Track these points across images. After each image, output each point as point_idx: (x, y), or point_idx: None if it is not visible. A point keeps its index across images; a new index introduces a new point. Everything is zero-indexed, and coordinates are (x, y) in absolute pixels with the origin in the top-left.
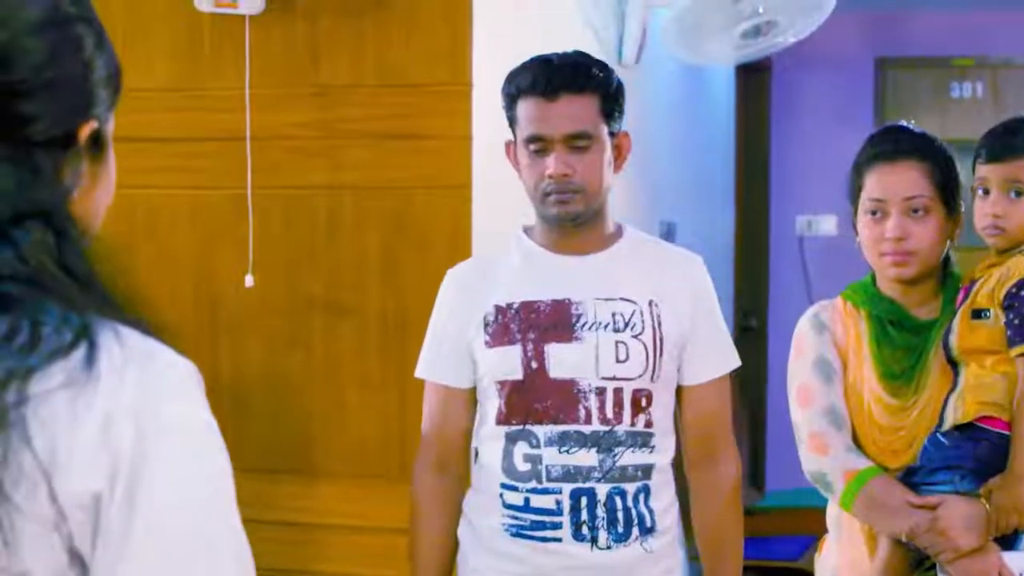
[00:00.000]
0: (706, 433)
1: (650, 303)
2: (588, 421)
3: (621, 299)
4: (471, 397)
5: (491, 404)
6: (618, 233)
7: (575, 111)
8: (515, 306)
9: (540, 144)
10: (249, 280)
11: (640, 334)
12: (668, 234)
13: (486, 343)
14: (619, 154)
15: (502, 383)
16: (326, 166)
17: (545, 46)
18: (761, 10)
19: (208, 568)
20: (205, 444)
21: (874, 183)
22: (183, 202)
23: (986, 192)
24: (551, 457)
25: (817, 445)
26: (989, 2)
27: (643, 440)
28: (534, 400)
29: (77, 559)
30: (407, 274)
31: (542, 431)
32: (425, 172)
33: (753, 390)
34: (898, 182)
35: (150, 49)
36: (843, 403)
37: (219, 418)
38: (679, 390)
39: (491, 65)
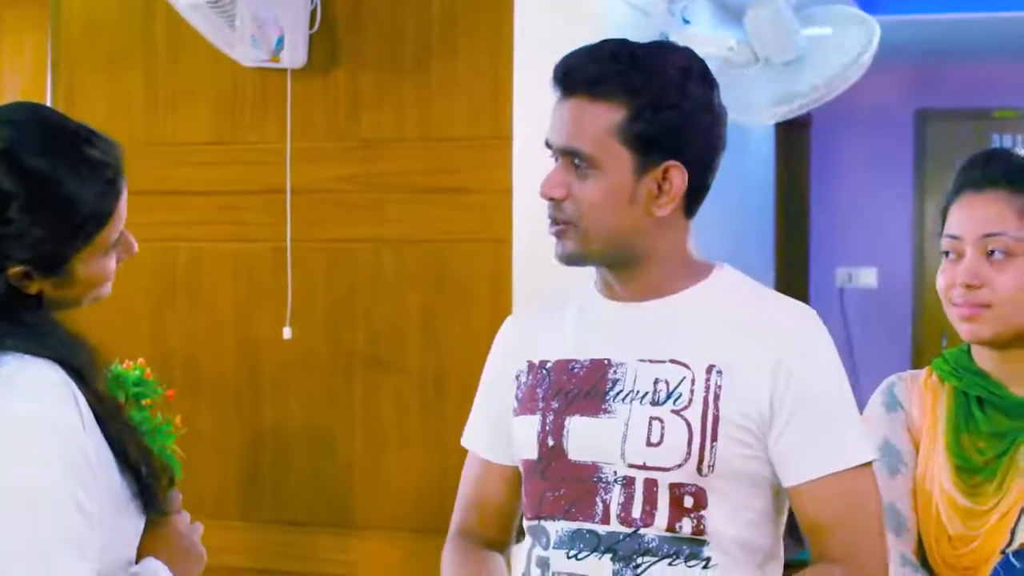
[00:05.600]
0: (824, 551)
1: (709, 369)
2: (605, 520)
3: (671, 361)
4: (515, 476)
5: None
6: (701, 274)
7: (577, 120)
8: (548, 365)
9: (551, 152)
10: (287, 332)
11: (683, 409)
12: None
13: (514, 410)
14: (662, 190)
15: (524, 462)
16: (366, 220)
17: None
18: (805, 90)
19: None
20: (21, 431)
21: (953, 217)
22: (224, 254)
23: None
24: (558, 563)
25: None
26: None
27: (688, 552)
28: (547, 488)
29: None
30: (447, 329)
31: (553, 528)
32: (466, 226)
33: None
34: (976, 215)
35: (193, 103)
36: (908, 501)
37: (260, 470)
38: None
39: (532, 119)
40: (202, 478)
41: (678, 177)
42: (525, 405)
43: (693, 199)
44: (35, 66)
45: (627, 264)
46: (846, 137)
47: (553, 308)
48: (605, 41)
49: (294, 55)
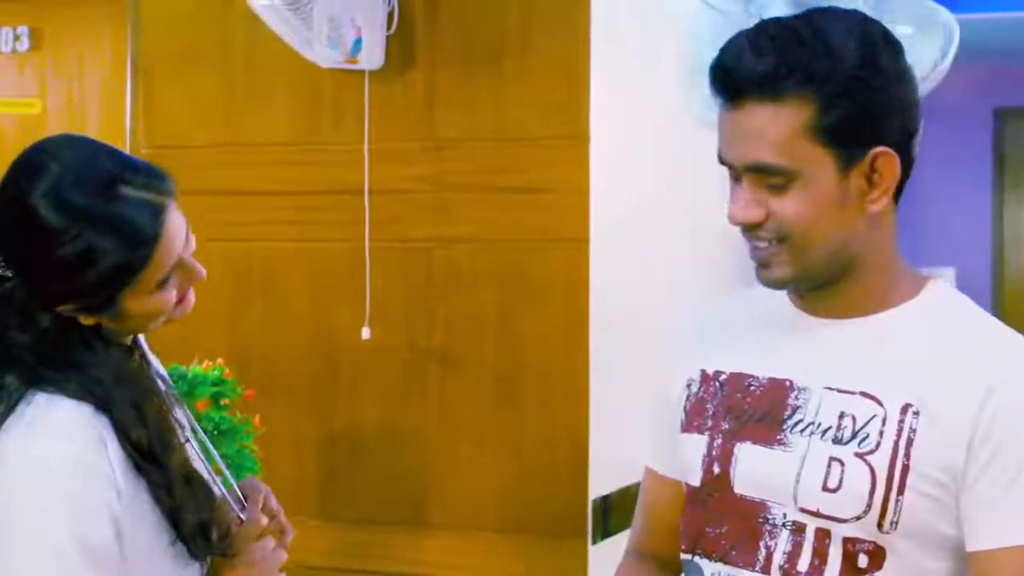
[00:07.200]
0: None
1: (905, 409)
2: (766, 570)
3: (861, 394)
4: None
5: None
6: (911, 291)
7: (757, 129)
8: (723, 377)
9: (730, 171)
10: (366, 332)
11: (869, 453)
12: None
13: (681, 424)
14: (872, 182)
15: (686, 487)
16: (442, 219)
17: (664, 101)
18: None
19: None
20: (34, 470)
21: None
22: (300, 255)
23: None
24: None
25: None
26: None
27: None
28: (708, 522)
29: None
30: (523, 329)
31: (709, 570)
32: (542, 226)
33: None
34: None
35: (270, 104)
36: None
37: (337, 469)
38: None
39: (609, 118)
40: (279, 477)
41: (887, 164)
42: (692, 421)
43: (901, 182)
44: (115, 64)
45: (840, 278)
46: (924, 136)
47: (736, 308)
48: (761, 27)
49: (371, 56)
